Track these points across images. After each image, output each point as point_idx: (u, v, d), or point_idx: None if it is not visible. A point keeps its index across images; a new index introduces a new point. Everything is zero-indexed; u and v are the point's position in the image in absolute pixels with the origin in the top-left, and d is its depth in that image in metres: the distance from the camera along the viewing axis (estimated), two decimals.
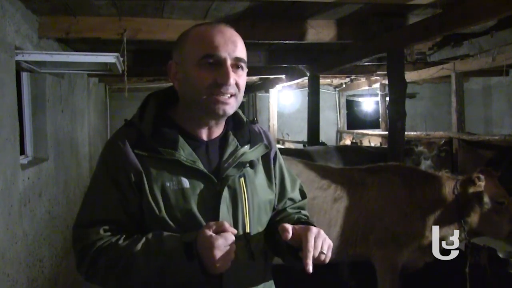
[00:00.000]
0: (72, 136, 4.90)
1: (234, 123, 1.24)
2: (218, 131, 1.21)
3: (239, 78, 1.13)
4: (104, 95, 8.60)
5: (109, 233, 1.10)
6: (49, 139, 3.75)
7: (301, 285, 3.96)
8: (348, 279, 3.82)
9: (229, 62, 1.11)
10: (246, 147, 1.20)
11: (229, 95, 1.11)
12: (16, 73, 3.00)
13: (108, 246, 1.08)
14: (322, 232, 1.07)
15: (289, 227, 1.06)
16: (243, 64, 1.15)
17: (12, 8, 2.81)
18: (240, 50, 1.14)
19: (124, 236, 1.10)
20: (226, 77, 1.10)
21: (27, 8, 3.16)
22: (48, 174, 3.69)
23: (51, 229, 3.69)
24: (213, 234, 1.01)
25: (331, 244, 1.08)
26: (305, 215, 1.32)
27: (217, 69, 1.11)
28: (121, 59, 3.43)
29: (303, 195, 1.36)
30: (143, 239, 1.07)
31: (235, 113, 1.25)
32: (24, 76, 3.52)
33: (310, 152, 4.80)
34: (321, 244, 1.05)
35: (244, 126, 1.24)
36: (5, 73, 2.66)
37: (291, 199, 1.33)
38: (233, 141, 1.20)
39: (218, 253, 1.00)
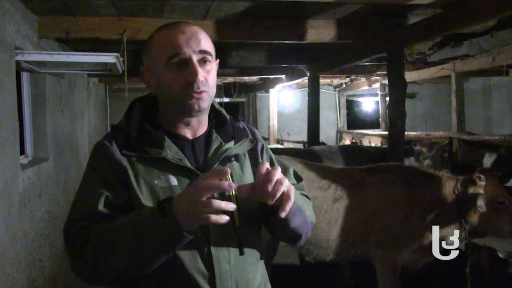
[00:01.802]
0: (72, 136, 4.90)
1: (217, 121, 1.27)
2: (201, 129, 1.23)
3: (208, 74, 1.16)
4: (104, 95, 8.60)
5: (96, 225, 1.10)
6: (49, 139, 3.75)
7: (301, 285, 3.96)
8: (348, 279, 3.83)
9: (195, 59, 1.13)
10: (231, 143, 1.22)
11: (201, 91, 1.14)
12: (16, 73, 3.00)
13: (93, 230, 1.08)
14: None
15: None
16: (209, 57, 1.16)
17: (12, 8, 2.81)
18: (204, 43, 1.16)
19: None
20: (195, 74, 1.12)
21: (27, 8, 3.16)
22: (48, 174, 3.69)
23: (51, 229, 3.69)
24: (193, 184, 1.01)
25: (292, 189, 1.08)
26: (304, 195, 1.32)
27: (185, 68, 1.13)
28: (121, 59, 3.43)
29: (298, 177, 1.35)
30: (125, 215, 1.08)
31: (218, 112, 1.28)
32: (24, 76, 3.52)
33: (316, 153, 4.80)
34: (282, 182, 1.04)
35: (227, 123, 1.27)
36: (5, 73, 2.66)
37: None
38: (216, 138, 1.22)
39: (193, 200, 0.99)
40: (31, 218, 3.12)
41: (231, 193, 1.15)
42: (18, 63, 2.94)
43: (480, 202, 2.75)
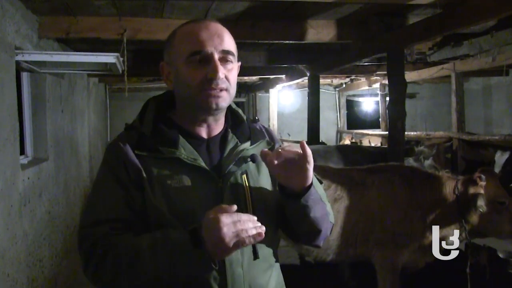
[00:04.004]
0: (72, 136, 4.90)
1: (234, 121, 1.25)
2: (217, 129, 1.21)
3: (229, 72, 1.14)
4: (104, 95, 8.60)
5: (115, 231, 1.08)
6: (49, 139, 3.75)
7: (301, 285, 3.96)
8: (348, 279, 3.82)
9: (216, 57, 1.12)
10: (247, 143, 1.20)
11: (220, 89, 1.12)
12: (16, 73, 3.00)
13: (115, 243, 1.06)
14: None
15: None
16: (231, 57, 1.15)
17: (12, 8, 2.81)
18: (227, 43, 1.14)
19: (131, 233, 1.09)
20: (215, 71, 1.10)
21: (27, 8, 3.16)
22: (48, 174, 3.69)
23: (51, 229, 3.69)
24: (218, 214, 0.99)
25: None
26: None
27: (206, 65, 1.12)
28: (121, 59, 3.43)
29: (319, 181, 1.32)
30: (149, 234, 1.06)
31: (235, 112, 1.26)
32: (24, 76, 3.52)
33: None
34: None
35: (243, 124, 1.25)
36: (5, 73, 2.66)
37: None
38: (232, 138, 1.20)
39: (227, 230, 0.96)
40: (31, 218, 3.12)
41: (246, 197, 1.14)
42: (18, 63, 2.94)
43: (481, 202, 2.75)
